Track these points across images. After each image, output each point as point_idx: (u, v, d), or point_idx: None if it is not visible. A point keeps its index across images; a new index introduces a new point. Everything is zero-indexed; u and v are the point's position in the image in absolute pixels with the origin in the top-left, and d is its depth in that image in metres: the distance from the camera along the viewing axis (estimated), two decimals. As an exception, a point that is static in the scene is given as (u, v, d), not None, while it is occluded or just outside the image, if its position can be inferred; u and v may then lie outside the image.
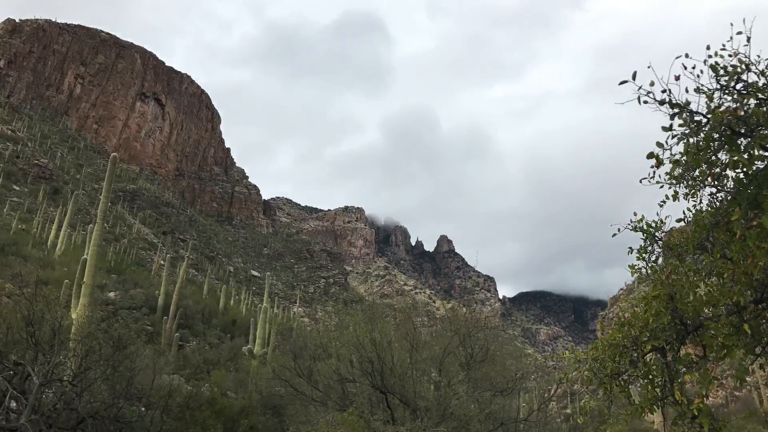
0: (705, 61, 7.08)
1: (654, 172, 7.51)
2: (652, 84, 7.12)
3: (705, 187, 7.60)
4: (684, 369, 7.78)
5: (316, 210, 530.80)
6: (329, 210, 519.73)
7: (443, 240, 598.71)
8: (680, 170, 7.49)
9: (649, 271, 8.45)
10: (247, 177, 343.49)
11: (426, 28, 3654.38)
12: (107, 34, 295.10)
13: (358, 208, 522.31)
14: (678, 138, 7.36)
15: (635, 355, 8.06)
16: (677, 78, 7.05)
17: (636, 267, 8.60)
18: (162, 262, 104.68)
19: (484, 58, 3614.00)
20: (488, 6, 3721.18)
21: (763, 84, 7.02)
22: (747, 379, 8.03)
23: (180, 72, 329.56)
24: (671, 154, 7.43)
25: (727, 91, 7.10)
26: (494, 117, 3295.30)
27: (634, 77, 7.15)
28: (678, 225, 8.17)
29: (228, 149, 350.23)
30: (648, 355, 8.13)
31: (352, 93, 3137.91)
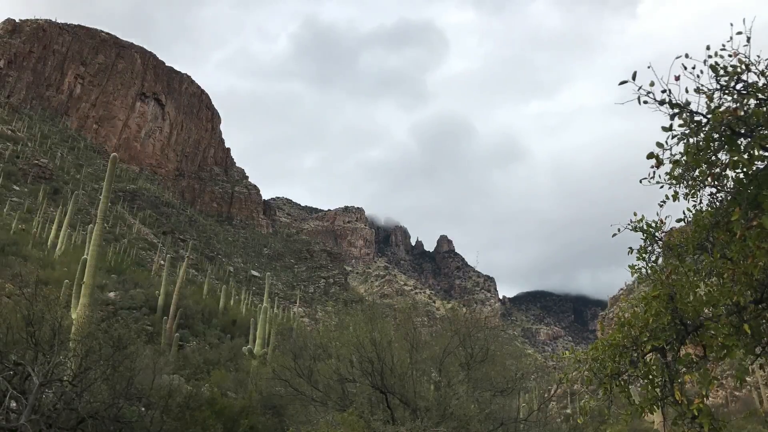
0: (705, 62, 7.07)
1: (654, 172, 7.51)
2: (652, 84, 7.11)
3: (705, 187, 7.59)
4: (684, 369, 7.77)
5: (316, 210, 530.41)
6: (329, 210, 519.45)
7: (443, 240, 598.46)
8: (680, 170, 7.49)
9: (649, 271, 8.44)
10: (247, 177, 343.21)
11: (473, 49, 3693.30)
12: (107, 34, 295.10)
13: (358, 208, 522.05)
14: (678, 138, 7.35)
15: (635, 355, 8.06)
16: (677, 78, 7.04)
17: (636, 267, 8.59)
18: (162, 262, 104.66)
19: (522, 77, 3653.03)
20: (532, 30, 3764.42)
21: (763, 84, 7.02)
22: (747, 379, 8.02)
23: (180, 72, 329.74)
24: (671, 154, 7.43)
25: (727, 91, 7.09)
26: (528, 131, 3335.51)
27: (634, 77, 7.15)
28: (678, 225, 8.17)
29: (228, 149, 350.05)
30: (648, 355, 8.12)
31: (390, 103, 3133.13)
